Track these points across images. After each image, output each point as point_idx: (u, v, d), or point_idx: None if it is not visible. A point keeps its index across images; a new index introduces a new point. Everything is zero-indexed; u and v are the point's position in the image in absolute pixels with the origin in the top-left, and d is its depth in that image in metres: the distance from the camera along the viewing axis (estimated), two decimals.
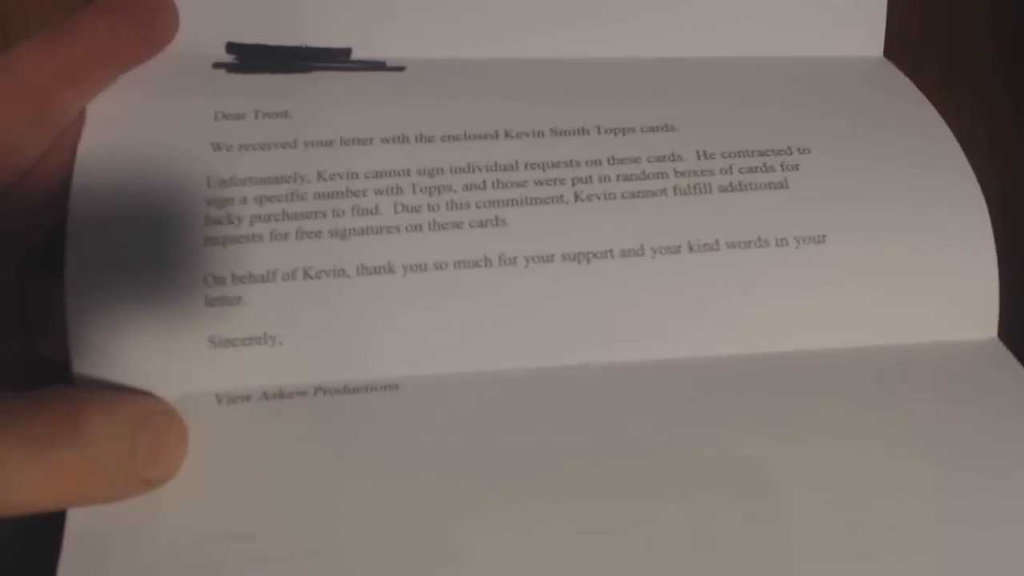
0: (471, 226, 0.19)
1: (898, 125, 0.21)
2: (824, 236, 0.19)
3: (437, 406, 0.18)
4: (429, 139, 0.19)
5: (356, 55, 0.21)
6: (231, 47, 0.21)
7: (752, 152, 0.20)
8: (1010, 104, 0.29)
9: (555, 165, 0.19)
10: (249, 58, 0.21)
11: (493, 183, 0.19)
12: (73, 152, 0.18)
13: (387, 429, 0.18)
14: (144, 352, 0.18)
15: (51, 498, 0.15)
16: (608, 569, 0.16)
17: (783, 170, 0.20)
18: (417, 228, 0.19)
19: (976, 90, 0.28)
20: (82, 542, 0.16)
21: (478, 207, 0.19)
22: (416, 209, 0.19)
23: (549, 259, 0.19)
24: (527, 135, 0.20)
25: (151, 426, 0.17)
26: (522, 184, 0.19)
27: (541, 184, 0.19)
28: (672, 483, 0.17)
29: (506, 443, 0.18)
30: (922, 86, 0.26)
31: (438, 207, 0.19)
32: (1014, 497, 0.17)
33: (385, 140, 0.19)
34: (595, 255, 0.19)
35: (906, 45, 0.24)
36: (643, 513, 0.17)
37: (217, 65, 0.21)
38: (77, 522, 0.16)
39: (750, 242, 0.19)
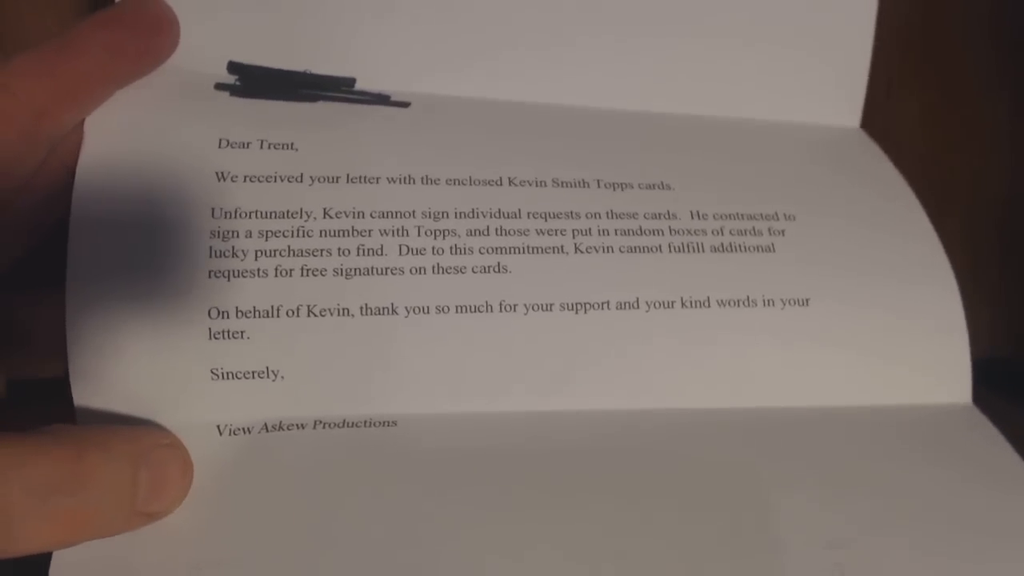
0: (474, 272, 0.19)
1: (874, 198, 0.22)
2: (808, 300, 0.20)
3: (433, 445, 0.19)
4: (435, 181, 0.20)
5: (360, 86, 0.22)
6: (233, 67, 0.21)
7: (742, 215, 0.21)
8: (1010, 105, 0.29)
9: (556, 216, 0.20)
10: (251, 80, 0.21)
11: (496, 230, 0.19)
12: (66, 164, 0.18)
13: (384, 465, 0.18)
14: (147, 383, 0.18)
15: (51, 542, 0.15)
16: None
17: (770, 235, 0.21)
18: (421, 271, 0.19)
19: (976, 91, 0.29)
20: (70, 568, 0.16)
21: (481, 253, 0.19)
22: (421, 252, 0.19)
23: (548, 308, 0.19)
24: (530, 184, 0.20)
25: (153, 461, 0.17)
26: (524, 232, 0.20)
27: (543, 233, 0.20)
28: (663, 525, 0.18)
29: (499, 484, 0.18)
30: (923, 88, 0.27)
31: (442, 251, 0.19)
32: (984, 554, 0.18)
33: (391, 180, 0.20)
34: (592, 306, 0.19)
35: (908, 47, 0.25)
36: (635, 554, 0.18)
37: (220, 86, 0.21)
38: (64, 552, 0.16)
39: (739, 301, 0.20)
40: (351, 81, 0.22)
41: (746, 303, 0.20)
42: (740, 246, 0.20)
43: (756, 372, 0.20)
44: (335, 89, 0.21)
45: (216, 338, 0.18)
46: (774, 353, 0.20)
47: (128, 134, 0.19)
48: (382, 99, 0.21)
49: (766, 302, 0.20)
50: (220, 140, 0.19)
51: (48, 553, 0.16)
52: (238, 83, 0.21)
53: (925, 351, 0.21)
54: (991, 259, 0.29)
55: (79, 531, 0.15)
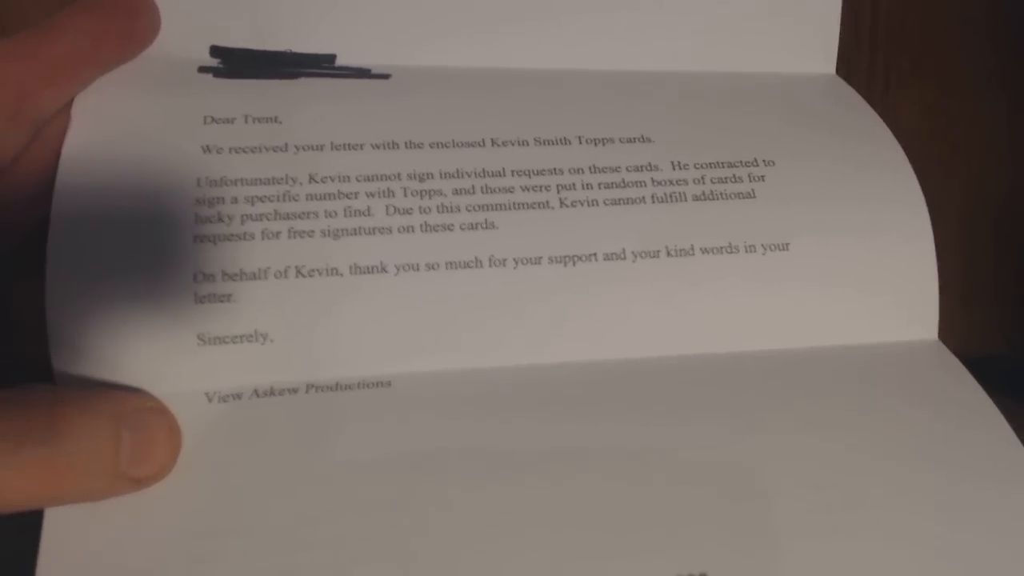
0: (462, 229, 0.19)
1: (851, 138, 0.22)
2: (788, 244, 0.21)
3: (429, 403, 0.18)
4: (418, 145, 0.20)
5: (340, 61, 0.22)
6: (215, 51, 0.21)
7: (723, 163, 0.21)
8: (1010, 104, 0.29)
9: (540, 172, 0.20)
10: (234, 62, 0.21)
11: (482, 188, 0.20)
12: (53, 150, 0.18)
13: (379, 426, 0.18)
14: (131, 350, 0.17)
15: (27, 497, 0.15)
16: (597, 559, 0.17)
17: (751, 181, 0.21)
18: (409, 230, 0.19)
19: (976, 90, 0.29)
20: (61, 537, 0.16)
21: (468, 211, 0.19)
22: (408, 211, 0.19)
23: (537, 261, 0.19)
24: (513, 143, 0.20)
25: (137, 423, 0.16)
26: (509, 190, 0.20)
27: (528, 190, 0.20)
28: (657, 469, 0.18)
29: (496, 440, 0.18)
30: (921, 87, 0.27)
31: (429, 210, 0.19)
32: (960, 486, 0.19)
33: (376, 146, 0.20)
34: (580, 258, 0.20)
35: (906, 47, 0.25)
36: (630, 500, 0.18)
37: (203, 69, 0.21)
38: (56, 517, 0.16)
39: (722, 248, 0.20)
40: (331, 57, 0.22)
41: (728, 250, 0.20)
42: (721, 193, 0.21)
43: (739, 317, 0.20)
44: (316, 66, 0.22)
45: (202, 302, 0.18)
46: (756, 298, 0.20)
47: (114, 115, 0.19)
48: (362, 72, 0.22)
49: (747, 248, 0.20)
50: (205, 117, 0.20)
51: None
52: (221, 65, 0.21)
53: (898, 287, 0.21)
54: (989, 258, 0.29)
55: (58, 485, 0.15)
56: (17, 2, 0.22)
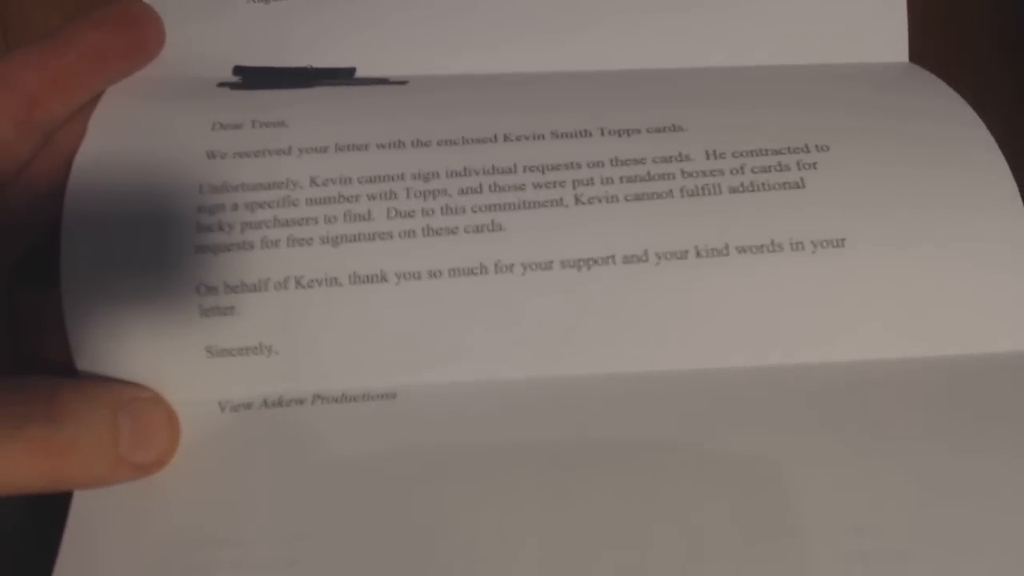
0: (466, 232, 0.18)
1: (929, 122, 0.19)
2: (843, 240, 0.18)
3: (433, 416, 0.18)
4: (425, 144, 0.19)
5: (360, 74, 0.21)
6: (238, 70, 0.21)
7: (766, 151, 0.18)
8: (1010, 104, 0.28)
9: (555, 167, 0.18)
10: (253, 77, 0.21)
11: (490, 187, 0.18)
12: (64, 157, 0.18)
13: (384, 440, 0.17)
14: (144, 363, 0.18)
15: (30, 475, 0.15)
16: None
17: (799, 169, 0.18)
18: (411, 234, 0.18)
19: (975, 90, 0.27)
20: (83, 529, 0.16)
21: (474, 211, 0.18)
22: (410, 214, 0.18)
23: (547, 266, 0.18)
24: (527, 138, 0.19)
25: (135, 410, 0.17)
26: (520, 187, 0.18)
27: (540, 187, 0.18)
28: (674, 501, 0.16)
29: (502, 455, 0.17)
30: None
31: (433, 212, 0.18)
32: None
33: (381, 146, 0.19)
34: (596, 261, 0.18)
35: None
36: (641, 532, 0.16)
37: (222, 84, 0.21)
38: (80, 510, 0.16)
39: (763, 246, 0.18)
40: (351, 71, 0.21)
41: (770, 248, 0.18)
42: (763, 184, 0.18)
43: (784, 326, 0.18)
44: (335, 78, 0.21)
45: (207, 315, 0.18)
46: (804, 303, 0.18)
47: (127, 127, 0.19)
48: (380, 81, 0.21)
49: (794, 245, 0.18)
50: (213, 124, 0.19)
51: (61, 529, 0.16)
52: (240, 81, 0.21)
53: (986, 287, 0.18)
54: None
55: (61, 465, 0.16)
56: (18, 3, 0.23)
